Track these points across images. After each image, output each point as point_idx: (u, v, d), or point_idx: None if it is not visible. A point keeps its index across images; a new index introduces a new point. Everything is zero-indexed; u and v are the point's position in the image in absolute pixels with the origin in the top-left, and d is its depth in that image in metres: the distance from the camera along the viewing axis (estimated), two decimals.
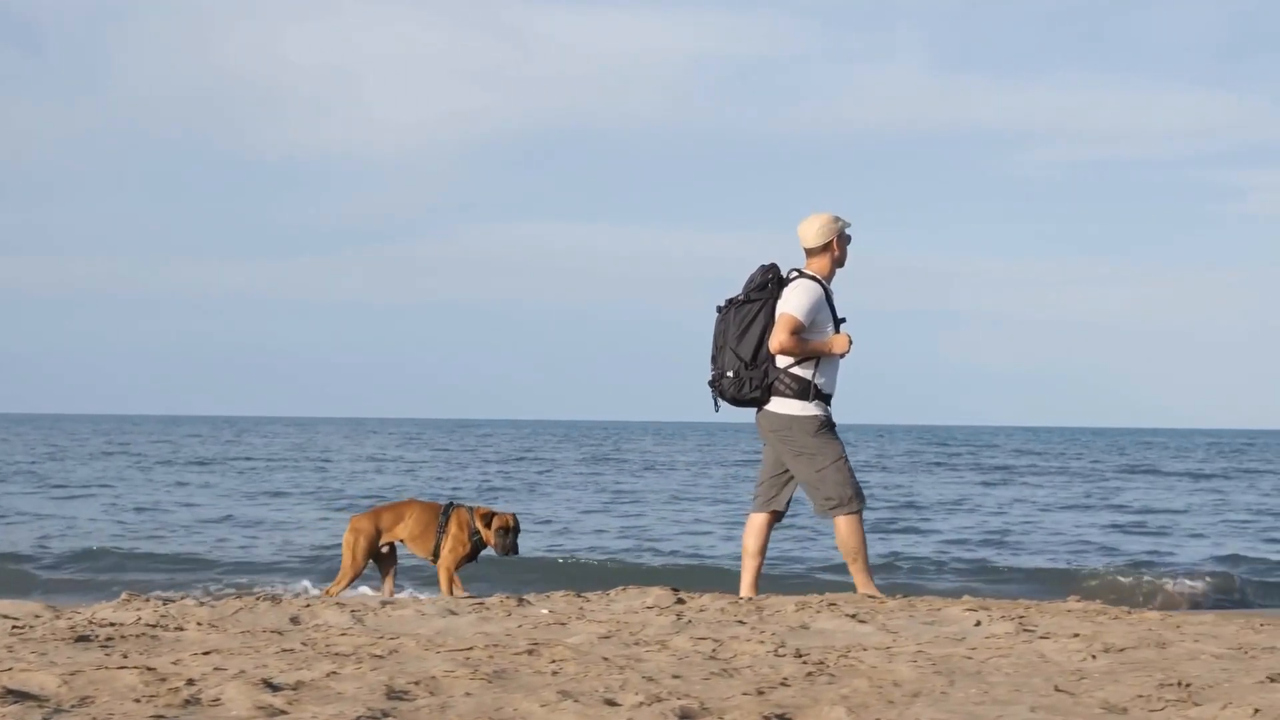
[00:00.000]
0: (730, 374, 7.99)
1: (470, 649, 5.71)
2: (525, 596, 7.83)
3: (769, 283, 8.04)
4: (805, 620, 6.73)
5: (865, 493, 8.25)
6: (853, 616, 6.79)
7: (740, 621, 6.71)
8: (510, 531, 8.65)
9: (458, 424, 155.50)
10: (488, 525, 8.60)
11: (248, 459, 39.90)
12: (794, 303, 7.91)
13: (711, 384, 8.10)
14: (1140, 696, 4.80)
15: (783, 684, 5.03)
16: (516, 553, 8.72)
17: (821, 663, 5.47)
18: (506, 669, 5.24)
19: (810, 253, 8.12)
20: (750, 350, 7.96)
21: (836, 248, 8.10)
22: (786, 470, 8.11)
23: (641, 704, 4.60)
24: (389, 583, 8.87)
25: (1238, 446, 68.78)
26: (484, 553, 8.80)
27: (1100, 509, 22.70)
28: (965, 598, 8.09)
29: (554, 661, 5.42)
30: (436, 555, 8.66)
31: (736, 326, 8.00)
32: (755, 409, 8.09)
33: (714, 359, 8.10)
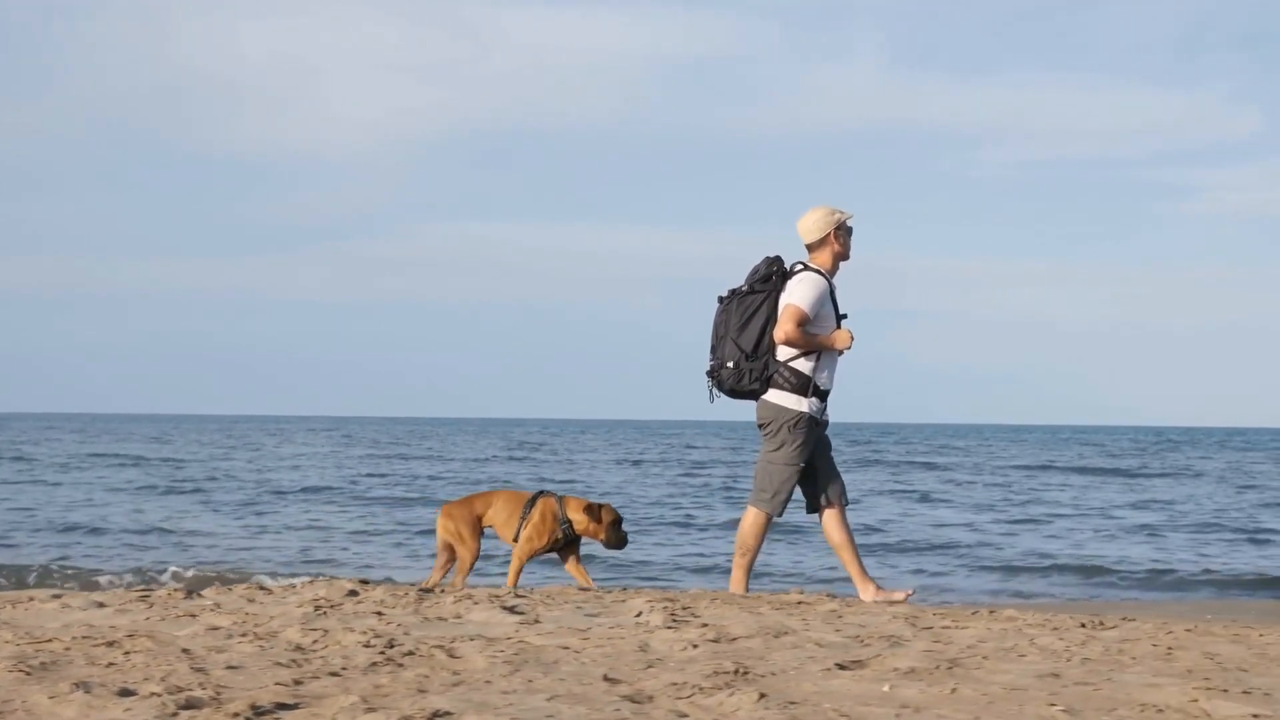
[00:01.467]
0: (730, 365, 7.96)
1: (47, 641, 5.59)
2: (202, 592, 7.69)
3: (773, 274, 8.00)
4: (460, 611, 6.64)
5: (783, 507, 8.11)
6: (510, 609, 6.73)
7: (379, 613, 6.61)
8: (620, 524, 8.46)
9: (415, 422, 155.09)
10: (595, 518, 8.35)
11: (108, 455, 39.09)
12: (799, 295, 7.89)
13: (710, 374, 8.07)
14: (687, 685, 4.71)
15: (332, 674, 4.94)
16: (626, 545, 8.49)
17: (411, 653, 5.39)
18: (59, 661, 5.12)
19: (810, 247, 8.08)
20: (752, 342, 7.93)
21: (836, 241, 8.05)
22: (812, 462, 8.06)
23: (154, 694, 4.49)
24: (436, 577, 8.54)
25: (1176, 443, 68.96)
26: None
27: (965, 506, 22.63)
28: (647, 590, 8.04)
29: (126, 653, 5.30)
30: (517, 539, 8.41)
31: (739, 317, 7.96)
32: (754, 401, 8.04)
33: (713, 349, 8.07)
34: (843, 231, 8.07)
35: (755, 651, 5.56)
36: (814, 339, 7.88)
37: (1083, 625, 6.53)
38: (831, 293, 8.01)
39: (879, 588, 8.02)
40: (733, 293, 8.04)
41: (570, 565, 8.50)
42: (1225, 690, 4.70)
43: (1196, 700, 4.50)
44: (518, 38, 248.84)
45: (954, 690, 4.68)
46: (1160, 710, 4.38)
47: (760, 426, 8.05)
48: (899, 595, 7.99)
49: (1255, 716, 4.31)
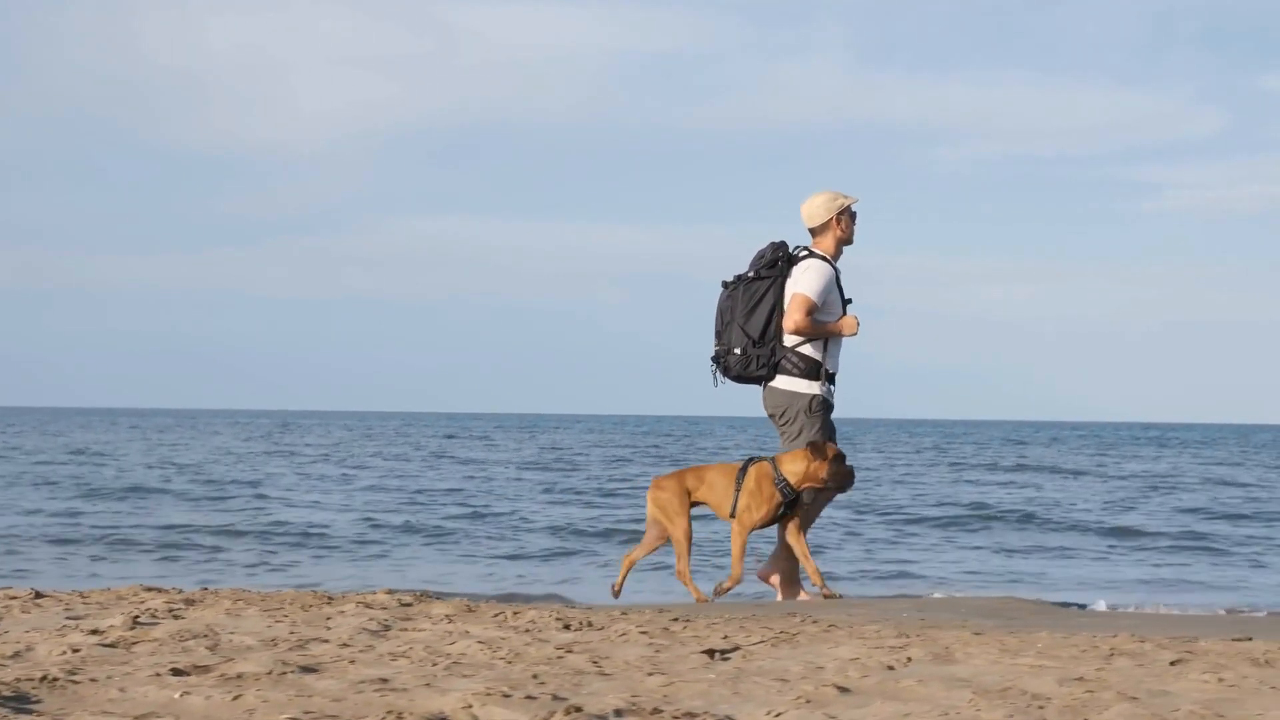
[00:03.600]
0: (738, 351, 7.99)
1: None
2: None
3: (779, 260, 8.02)
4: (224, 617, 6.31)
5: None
6: (269, 612, 6.47)
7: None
8: (844, 458, 7.84)
9: (369, 416, 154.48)
10: (819, 454, 7.71)
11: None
12: (807, 283, 7.91)
13: (715, 360, 8.10)
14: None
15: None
16: (852, 482, 7.88)
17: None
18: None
19: (813, 232, 8.12)
20: (759, 328, 7.95)
21: (839, 226, 8.09)
22: None
23: None
24: (641, 553, 8.19)
25: (1119, 439, 68.42)
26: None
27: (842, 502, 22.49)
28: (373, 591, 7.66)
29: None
30: (734, 514, 7.92)
31: (745, 303, 7.98)
32: (761, 386, 8.08)
33: (719, 335, 8.10)
34: (845, 216, 8.10)
35: (437, 645, 5.29)
36: (823, 327, 7.93)
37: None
38: (837, 278, 8.05)
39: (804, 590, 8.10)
40: (739, 278, 8.07)
41: (790, 534, 7.91)
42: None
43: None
44: (481, 32, 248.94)
45: None
46: None
47: (773, 417, 8.07)
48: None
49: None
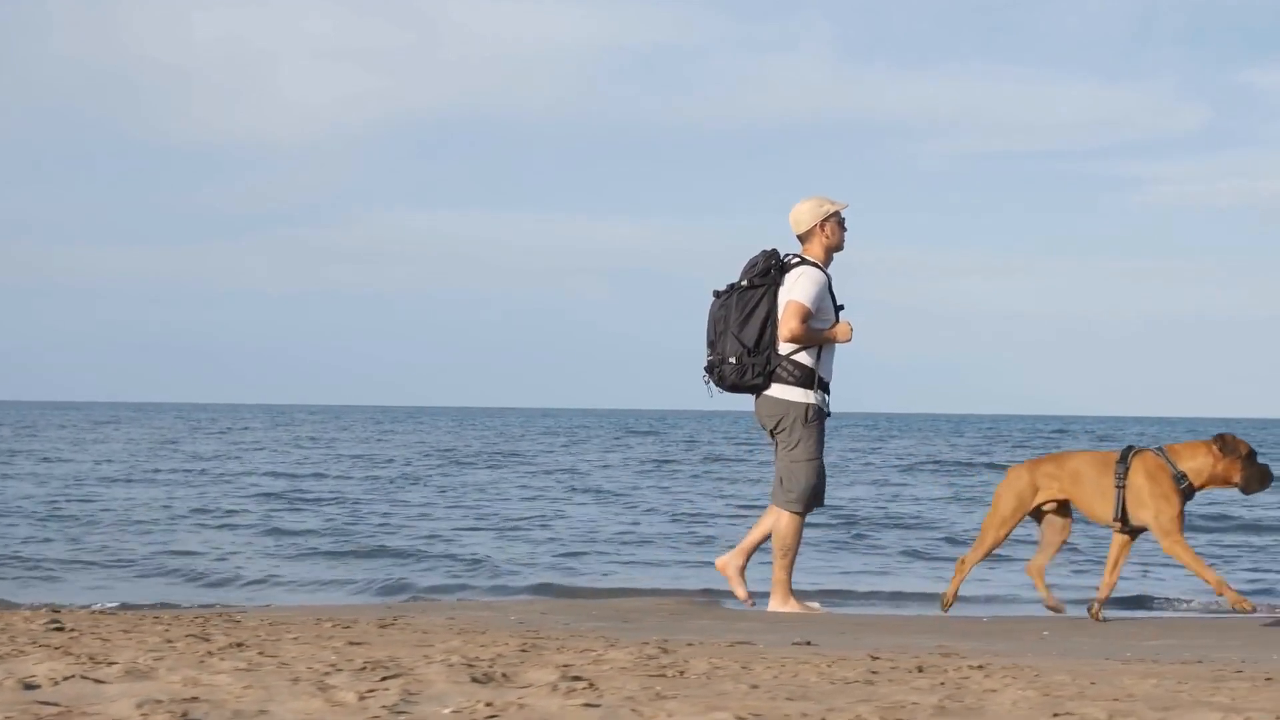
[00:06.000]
0: (733, 360, 7.98)
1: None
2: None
3: (771, 268, 8.02)
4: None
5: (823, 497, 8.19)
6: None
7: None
8: (1256, 455, 7.02)
9: (360, 410, 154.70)
10: (1230, 451, 6.82)
11: None
12: (800, 290, 7.92)
13: (709, 369, 8.10)
14: None
15: None
16: (1270, 482, 7.09)
17: None
18: None
19: (801, 239, 8.15)
20: (753, 336, 7.95)
21: (826, 232, 8.12)
22: None
23: None
24: (1046, 555, 7.54)
25: (1069, 430, 65.82)
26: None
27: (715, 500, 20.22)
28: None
29: None
30: (1120, 518, 7.08)
31: (739, 312, 7.98)
32: (755, 395, 8.09)
33: (712, 344, 8.10)
34: (832, 222, 8.11)
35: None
36: (818, 334, 7.96)
37: None
38: (829, 284, 8.07)
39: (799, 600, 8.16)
40: (731, 287, 8.07)
41: (1120, 550, 7.19)
42: None
43: None
44: (467, 25, 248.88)
45: None
46: None
47: (767, 426, 8.07)
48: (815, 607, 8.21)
49: None
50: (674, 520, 16.02)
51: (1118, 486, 6.97)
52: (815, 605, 8.27)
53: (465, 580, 10.65)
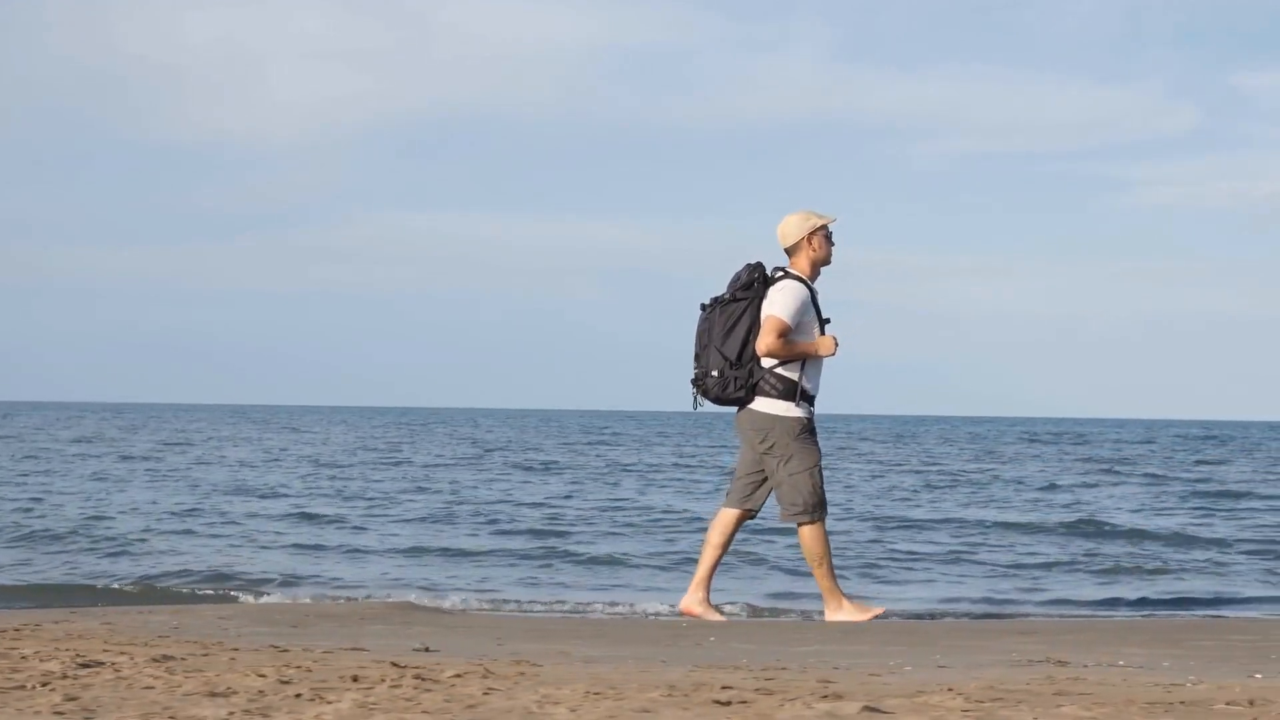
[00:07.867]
0: (715, 373, 8.03)
1: None
2: None
3: (754, 282, 8.05)
4: None
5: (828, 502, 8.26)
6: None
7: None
8: None
9: (348, 411, 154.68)
10: None
11: None
12: (779, 304, 7.94)
13: (694, 382, 8.16)
14: None
15: None
16: None
17: None
18: None
19: (788, 252, 8.17)
20: (736, 350, 7.98)
21: (813, 246, 8.14)
22: (763, 470, 8.14)
23: None
24: None
25: (1051, 436, 63.90)
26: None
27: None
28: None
29: None
30: None
31: (722, 326, 8.02)
32: (737, 408, 8.13)
33: (697, 357, 8.15)
34: (819, 236, 8.13)
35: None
36: (796, 347, 7.96)
37: None
38: (813, 298, 8.08)
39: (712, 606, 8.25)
40: (715, 300, 8.11)
41: None
42: None
43: None
44: (458, 26, 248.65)
45: None
46: None
47: (752, 440, 8.08)
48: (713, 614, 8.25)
49: None
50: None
51: None
52: (875, 607, 8.32)
53: None
